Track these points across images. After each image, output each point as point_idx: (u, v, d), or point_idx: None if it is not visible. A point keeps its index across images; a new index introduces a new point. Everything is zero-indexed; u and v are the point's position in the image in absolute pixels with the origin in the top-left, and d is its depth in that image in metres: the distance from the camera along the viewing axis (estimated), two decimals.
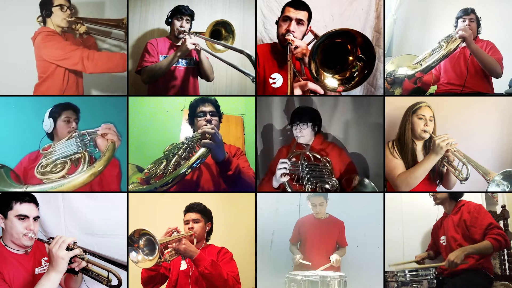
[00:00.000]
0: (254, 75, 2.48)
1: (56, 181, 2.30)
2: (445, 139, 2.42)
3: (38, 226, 2.25)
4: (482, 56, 2.72)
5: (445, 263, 2.41)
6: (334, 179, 2.50)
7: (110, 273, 2.12)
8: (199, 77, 2.91)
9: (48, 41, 2.65)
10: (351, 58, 2.27)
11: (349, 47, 2.24)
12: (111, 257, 2.13)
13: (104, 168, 2.30)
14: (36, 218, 2.20)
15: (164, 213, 2.63)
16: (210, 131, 2.22)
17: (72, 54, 2.65)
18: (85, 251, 2.07)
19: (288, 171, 2.40)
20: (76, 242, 2.02)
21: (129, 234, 2.14)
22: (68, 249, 1.97)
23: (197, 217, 2.44)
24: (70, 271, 2.04)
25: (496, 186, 2.38)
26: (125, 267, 2.13)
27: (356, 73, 2.27)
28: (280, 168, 2.39)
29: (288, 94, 2.33)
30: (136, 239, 2.14)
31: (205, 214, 2.48)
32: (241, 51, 2.40)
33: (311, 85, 2.36)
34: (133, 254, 2.15)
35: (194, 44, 2.66)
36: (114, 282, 2.13)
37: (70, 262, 2.00)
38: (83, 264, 2.05)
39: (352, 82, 2.28)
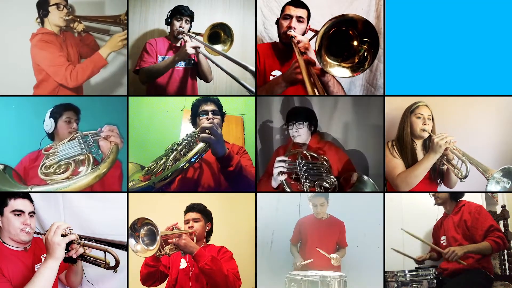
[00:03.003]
0: (253, 89, 2.46)
1: (60, 182, 2.33)
2: (443, 137, 2.42)
3: (35, 222, 2.26)
4: None
5: (445, 251, 2.44)
6: (332, 177, 2.51)
7: (107, 254, 2.10)
8: (197, 78, 2.91)
9: (41, 48, 2.66)
10: (355, 43, 2.28)
11: (351, 32, 2.26)
12: (109, 239, 2.12)
13: (108, 170, 2.34)
14: (31, 214, 2.22)
15: (164, 213, 2.63)
16: (208, 125, 2.21)
17: (57, 69, 2.64)
18: (81, 237, 2.07)
19: (285, 170, 2.41)
20: (71, 229, 2.03)
21: (132, 222, 2.14)
22: (63, 236, 1.98)
23: (197, 216, 2.45)
24: (69, 260, 2.05)
25: (496, 184, 2.37)
26: (123, 246, 2.11)
27: (366, 54, 2.28)
28: (277, 167, 2.40)
29: (306, 91, 2.31)
30: (138, 228, 2.14)
31: (205, 214, 2.49)
32: (244, 67, 2.39)
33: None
34: (132, 242, 2.15)
35: (195, 48, 2.65)
36: (112, 263, 2.11)
37: (68, 250, 2.00)
38: (80, 250, 2.05)
39: (366, 63, 2.29)
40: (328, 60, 2.32)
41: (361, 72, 2.32)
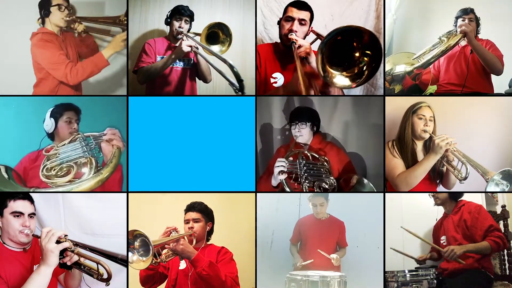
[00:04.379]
0: (237, 85, 2.43)
1: (62, 186, 2.36)
2: (444, 138, 2.43)
3: (35, 223, 2.27)
4: (483, 52, 2.72)
5: (444, 250, 2.45)
6: (332, 178, 2.53)
7: (99, 265, 2.10)
8: (197, 78, 2.91)
9: (40, 46, 2.66)
10: (357, 54, 2.29)
11: (354, 44, 2.27)
12: (104, 249, 2.12)
13: (110, 175, 2.37)
14: (31, 215, 2.23)
15: (164, 213, 2.63)
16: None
17: (57, 67, 2.65)
18: (76, 244, 2.06)
19: (285, 169, 2.41)
20: (67, 235, 2.03)
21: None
22: (58, 242, 1.98)
23: (197, 216, 2.44)
24: (64, 266, 2.04)
25: (495, 186, 2.39)
26: (119, 259, 2.11)
27: (364, 67, 2.30)
28: (277, 166, 2.41)
29: (301, 93, 2.35)
30: (131, 241, 2.15)
31: (206, 213, 2.48)
32: (224, 60, 2.41)
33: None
34: (129, 255, 2.16)
35: (190, 46, 2.63)
36: (105, 275, 2.11)
37: (63, 256, 2.00)
38: (75, 258, 2.04)
39: (363, 77, 2.31)
40: (331, 70, 2.32)
41: (357, 83, 2.32)
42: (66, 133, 2.55)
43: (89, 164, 2.41)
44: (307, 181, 2.50)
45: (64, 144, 2.49)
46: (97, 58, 2.68)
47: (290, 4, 2.62)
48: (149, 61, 2.75)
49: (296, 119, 2.64)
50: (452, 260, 2.45)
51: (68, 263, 2.04)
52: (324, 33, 2.64)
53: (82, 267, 2.10)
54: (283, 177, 2.42)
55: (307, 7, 2.61)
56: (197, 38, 2.76)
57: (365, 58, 2.27)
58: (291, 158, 2.52)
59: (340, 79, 2.33)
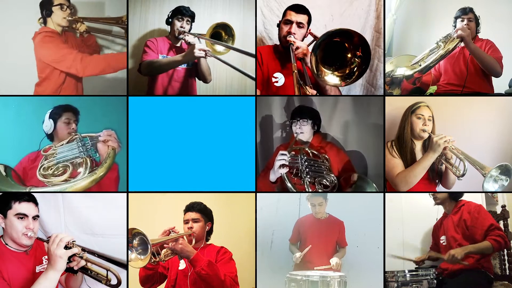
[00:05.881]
0: (254, 75, 2.52)
1: (58, 185, 2.38)
2: (442, 136, 2.45)
3: (38, 225, 2.27)
4: (480, 55, 2.73)
5: (445, 256, 2.43)
6: (333, 175, 2.55)
7: (109, 272, 2.12)
8: (197, 79, 2.91)
9: (45, 42, 2.68)
10: (349, 55, 2.41)
11: (346, 45, 2.39)
12: (110, 256, 2.13)
13: (105, 175, 2.39)
14: (35, 217, 2.22)
15: (164, 213, 2.64)
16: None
17: (66, 57, 2.66)
18: (84, 249, 2.07)
19: (287, 163, 2.43)
20: (74, 241, 2.04)
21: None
22: (66, 247, 1.98)
23: (197, 216, 2.45)
24: (70, 270, 2.05)
25: (493, 182, 2.39)
26: (124, 265, 2.13)
27: (355, 69, 2.41)
28: (279, 159, 2.42)
29: (295, 93, 2.46)
30: (130, 239, 2.16)
31: (205, 213, 2.49)
32: (247, 53, 2.51)
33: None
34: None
35: (204, 51, 2.60)
36: (114, 281, 2.12)
37: (69, 261, 2.01)
38: (82, 263, 2.05)
39: (353, 77, 2.43)
40: (323, 69, 2.44)
41: (346, 83, 2.47)
42: (65, 133, 2.57)
43: (84, 164, 2.44)
44: (308, 176, 2.51)
45: (62, 144, 2.52)
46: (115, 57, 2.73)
47: (289, 8, 2.68)
48: (153, 56, 2.75)
49: (297, 116, 2.67)
50: (455, 264, 2.44)
51: (75, 268, 2.05)
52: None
53: (89, 272, 2.11)
54: (284, 171, 2.43)
55: (305, 11, 2.66)
56: (200, 38, 2.75)
57: (357, 60, 2.39)
58: (292, 153, 2.53)
59: (331, 78, 2.45)
